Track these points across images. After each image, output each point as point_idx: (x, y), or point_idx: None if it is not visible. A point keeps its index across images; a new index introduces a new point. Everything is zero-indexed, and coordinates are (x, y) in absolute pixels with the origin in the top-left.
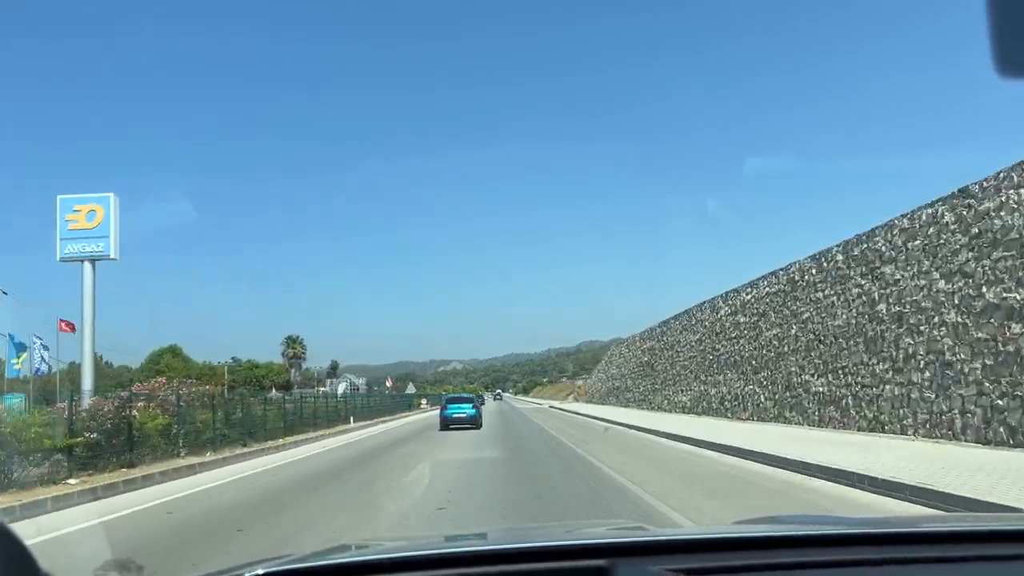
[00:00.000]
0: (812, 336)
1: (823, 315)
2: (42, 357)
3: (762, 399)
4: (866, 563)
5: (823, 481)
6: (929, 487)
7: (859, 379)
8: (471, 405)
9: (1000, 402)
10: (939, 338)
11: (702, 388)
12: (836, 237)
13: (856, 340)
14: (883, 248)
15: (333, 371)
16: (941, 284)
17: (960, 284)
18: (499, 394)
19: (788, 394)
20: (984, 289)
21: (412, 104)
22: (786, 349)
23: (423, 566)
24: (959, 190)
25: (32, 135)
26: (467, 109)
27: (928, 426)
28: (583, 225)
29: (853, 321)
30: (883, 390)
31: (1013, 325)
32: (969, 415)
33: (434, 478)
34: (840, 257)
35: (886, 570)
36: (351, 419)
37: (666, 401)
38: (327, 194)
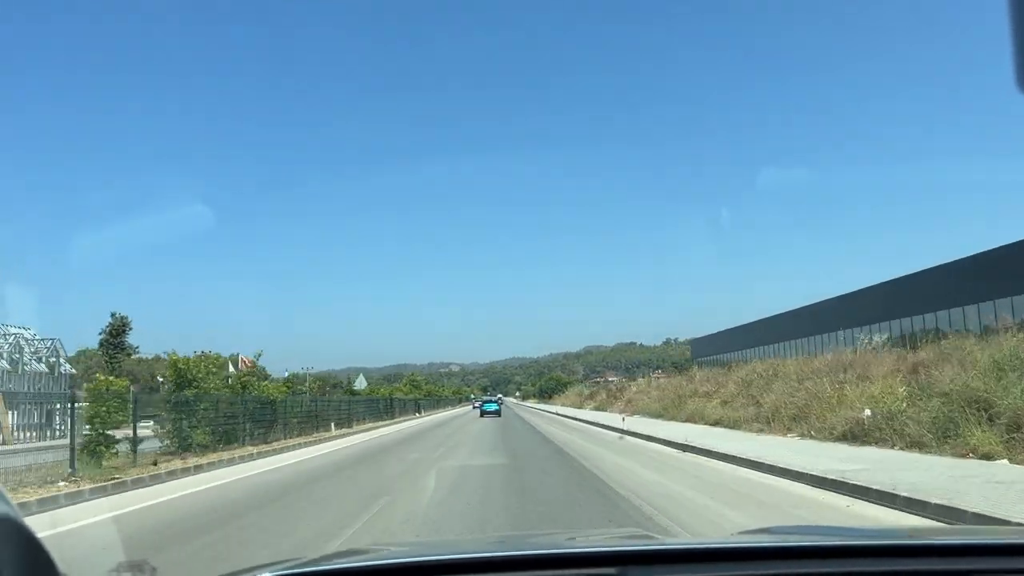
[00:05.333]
0: None
1: None
2: None
3: None
4: (873, 575)
5: None
6: None
7: None
8: (495, 403)
9: None
10: None
11: None
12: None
13: None
14: None
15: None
16: None
17: None
18: (500, 399)
19: None
20: None
21: (414, 107)
22: None
23: (431, 571)
24: None
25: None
26: (469, 112)
27: None
28: (586, 228)
29: None
30: None
31: None
32: None
33: None
34: None
35: None
36: None
37: None
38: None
